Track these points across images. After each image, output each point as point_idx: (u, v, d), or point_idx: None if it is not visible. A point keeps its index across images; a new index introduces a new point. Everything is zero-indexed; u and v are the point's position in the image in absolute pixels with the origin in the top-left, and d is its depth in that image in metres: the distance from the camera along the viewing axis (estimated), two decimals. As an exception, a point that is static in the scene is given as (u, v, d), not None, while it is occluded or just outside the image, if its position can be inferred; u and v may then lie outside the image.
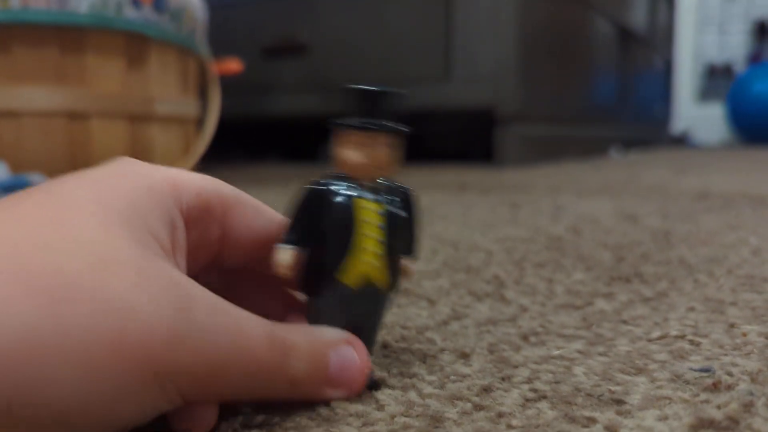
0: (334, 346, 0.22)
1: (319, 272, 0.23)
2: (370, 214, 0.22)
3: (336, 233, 0.22)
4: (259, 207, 0.24)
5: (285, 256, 0.22)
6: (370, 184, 0.23)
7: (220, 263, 0.25)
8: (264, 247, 0.24)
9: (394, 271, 0.24)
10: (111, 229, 0.18)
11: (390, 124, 0.23)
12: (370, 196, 0.23)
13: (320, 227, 0.22)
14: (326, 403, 0.22)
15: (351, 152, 0.22)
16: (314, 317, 0.24)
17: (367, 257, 0.22)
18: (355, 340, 0.23)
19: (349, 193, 0.22)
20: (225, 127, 1.19)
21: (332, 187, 0.22)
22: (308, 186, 0.23)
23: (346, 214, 0.22)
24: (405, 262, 0.25)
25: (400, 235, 0.24)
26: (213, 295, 0.19)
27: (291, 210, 0.23)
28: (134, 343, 0.17)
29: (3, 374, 0.15)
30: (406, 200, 0.24)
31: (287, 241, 0.23)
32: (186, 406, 0.20)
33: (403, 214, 0.24)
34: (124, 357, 0.16)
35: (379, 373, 0.25)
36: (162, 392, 0.18)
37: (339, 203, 0.22)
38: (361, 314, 0.24)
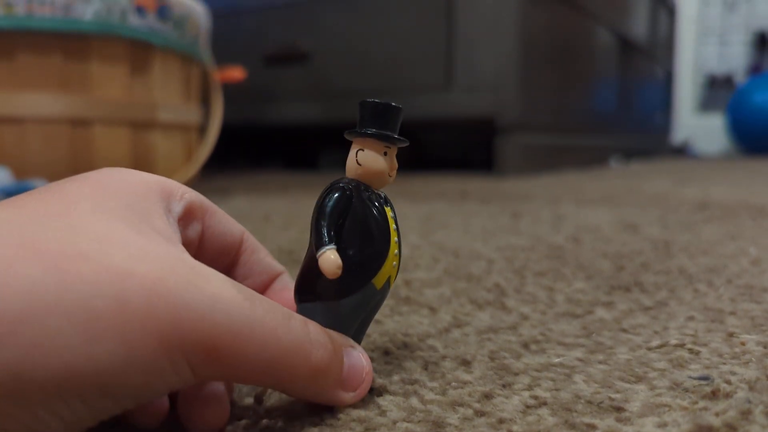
0: (346, 347, 0.22)
1: (355, 275, 0.23)
2: (391, 219, 0.24)
3: (379, 239, 0.23)
4: (227, 216, 0.26)
5: (332, 256, 0.22)
6: (378, 191, 0.24)
7: None
8: (231, 251, 0.26)
9: (398, 270, 0.25)
10: (112, 220, 0.19)
11: (401, 137, 0.24)
12: (385, 203, 0.24)
13: (363, 231, 0.23)
14: (329, 408, 0.23)
15: (377, 161, 0.24)
16: (329, 320, 0.23)
17: (393, 260, 0.24)
18: (358, 346, 0.23)
19: (380, 200, 0.24)
20: (227, 134, 1.20)
21: (366, 194, 0.24)
22: (341, 186, 0.23)
23: (385, 220, 0.24)
24: None
25: (401, 239, 0.25)
26: (220, 273, 0.19)
27: (325, 208, 0.23)
28: (136, 305, 0.16)
29: (7, 337, 0.15)
30: (392, 208, 0.25)
31: (328, 242, 0.22)
32: (197, 404, 0.20)
33: (395, 217, 0.25)
34: (127, 318, 0.16)
35: (380, 380, 0.25)
36: (172, 365, 0.17)
37: (378, 210, 0.24)
38: (369, 311, 0.24)
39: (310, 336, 0.20)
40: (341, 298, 0.23)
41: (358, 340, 0.24)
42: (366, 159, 0.24)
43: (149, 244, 0.18)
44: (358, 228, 0.23)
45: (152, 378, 0.17)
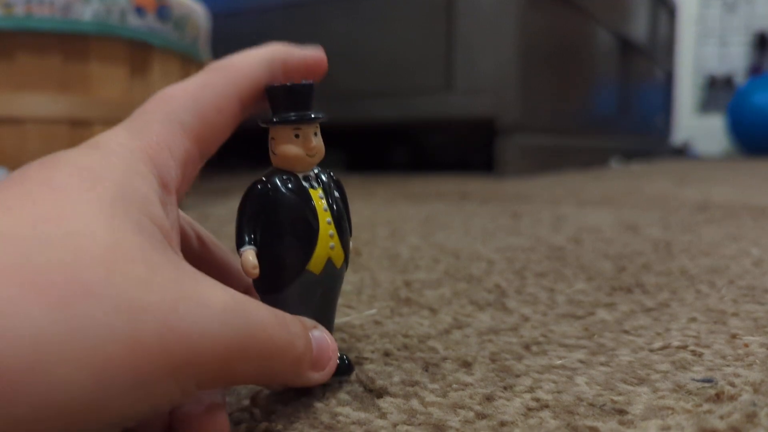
0: (311, 329, 0.22)
1: (286, 266, 0.23)
2: (320, 201, 0.24)
3: (302, 226, 0.23)
4: None
5: (250, 257, 0.22)
6: (308, 173, 0.24)
7: None
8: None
9: (346, 249, 0.25)
10: (112, 220, 0.17)
11: (315, 114, 0.24)
12: (315, 184, 0.24)
13: (282, 223, 0.23)
14: (329, 410, 0.22)
15: (288, 146, 0.23)
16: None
17: (328, 242, 0.23)
18: (320, 326, 0.23)
19: (301, 185, 0.23)
20: (227, 135, 1.19)
21: (283, 184, 0.23)
22: (256, 186, 0.23)
23: (308, 206, 0.23)
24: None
25: (343, 216, 0.25)
26: (217, 282, 0.19)
27: (243, 211, 0.23)
28: (151, 342, 0.16)
29: (15, 393, 0.14)
30: (336, 183, 0.25)
31: (247, 242, 0.23)
32: (197, 417, 0.20)
33: (337, 195, 0.25)
34: (141, 356, 0.16)
35: (381, 382, 0.25)
36: (180, 389, 0.17)
37: (298, 197, 0.23)
38: (322, 296, 0.24)
39: (290, 329, 0.20)
40: (279, 291, 0.23)
41: (328, 327, 0.24)
42: (278, 147, 0.23)
43: (154, 253, 0.17)
44: (274, 222, 0.23)
45: (160, 402, 0.17)
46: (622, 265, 0.48)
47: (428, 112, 1.57)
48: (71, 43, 0.84)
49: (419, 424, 0.21)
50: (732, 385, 0.24)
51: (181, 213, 0.25)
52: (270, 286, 0.24)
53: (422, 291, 0.41)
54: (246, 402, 0.24)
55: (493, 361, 0.28)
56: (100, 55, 0.87)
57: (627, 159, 2.31)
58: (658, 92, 2.93)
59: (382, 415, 0.22)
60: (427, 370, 0.26)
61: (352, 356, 0.28)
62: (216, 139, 0.23)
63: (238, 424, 0.22)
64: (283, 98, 0.23)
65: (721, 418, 0.21)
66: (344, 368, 0.25)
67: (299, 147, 0.23)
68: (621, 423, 0.21)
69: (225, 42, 1.66)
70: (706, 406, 0.22)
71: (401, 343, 0.30)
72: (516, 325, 0.33)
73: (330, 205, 0.24)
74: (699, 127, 3.61)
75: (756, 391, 0.23)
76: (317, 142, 0.24)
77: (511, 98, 1.50)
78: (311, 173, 0.24)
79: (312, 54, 0.25)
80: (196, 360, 0.17)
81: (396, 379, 0.26)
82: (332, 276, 0.24)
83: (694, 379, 0.25)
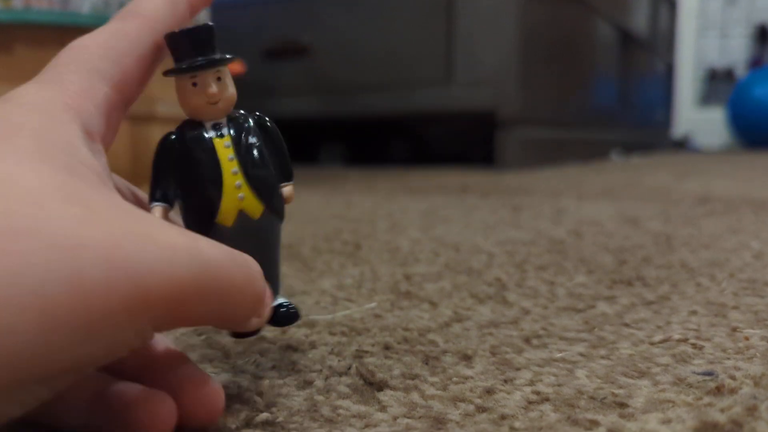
0: None
1: (196, 221, 0.22)
2: (225, 149, 0.22)
3: (204, 178, 0.22)
4: None
5: (156, 214, 0.22)
6: (218, 120, 0.23)
7: None
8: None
9: (267, 199, 0.23)
10: (39, 165, 0.16)
11: (213, 56, 0.22)
12: (224, 132, 0.23)
13: (186, 177, 0.22)
14: (329, 403, 0.22)
15: (187, 96, 0.22)
16: None
17: (235, 193, 0.22)
18: None
19: (203, 136, 0.22)
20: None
21: (186, 135, 0.22)
22: (163, 139, 0.23)
23: (210, 157, 0.22)
24: (284, 187, 0.24)
25: (262, 162, 0.23)
26: (164, 221, 0.18)
27: (153, 166, 0.23)
28: (95, 281, 0.15)
29: None
30: (260, 126, 0.24)
31: (156, 199, 0.22)
32: (191, 388, 0.20)
33: (254, 140, 0.23)
34: (85, 296, 0.14)
35: (381, 375, 0.25)
36: (135, 331, 0.16)
37: (199, 148, 0.22)
38: (251, 250, 0.22)
39: (249, 267, 0.19)
40: None
41: (269, 277, 0.23)
42: (179, 97, 0.23)
43: (91, 192, 0.16)
44: (180, 176, 0.22)
45: (114, 346, 0.16)
46: (622, 258, 0.48)
47: (428, 105, 1.56)
48: (70, 36, 0.83)
49: (419, 417, 0.21)
50: (732, 378, 0.24)
51: (116, 175, 0.24)
52: None
53: (422, 284, 0.41)
54: (246, 392, 0.24)
55: (494, 354, 0.27)
56: (99, 48, 0.86)
57: (627, 152, 2.30)
58: (659, 85, 2.92)
59: (382, 408, 0.22)
60: (427, 364, 0.26)
61: (351, 350, 0.28)
62: (137, 86, 0.22)
63: (238, 413, 0.22)
64: (181, 45, 0.22)
65: (722, 411, 0.21)
66: (289, 316, 0.24)
67: (198, 96, 0.22)
68: (622, 416, 0.21)
69: (224, 35, 1.66)
70: (706, 399, 0.22)
71: (401, 336, 0.30)
72: (516, 318, 0.33)
73: (238, 154, 0.22)
74: (699, 120, 3.61)
75: (756, 384, 0.23)
76: (219, 88, 0.22)
77: (512, 91, 1.49)
78: (223, 120, 0.23)
79: None
80: (147, 299, 0.16)
81: (396, 372, 0.26)
82: (250, 228, 0.23)
83: (694, 372, 0.25)
